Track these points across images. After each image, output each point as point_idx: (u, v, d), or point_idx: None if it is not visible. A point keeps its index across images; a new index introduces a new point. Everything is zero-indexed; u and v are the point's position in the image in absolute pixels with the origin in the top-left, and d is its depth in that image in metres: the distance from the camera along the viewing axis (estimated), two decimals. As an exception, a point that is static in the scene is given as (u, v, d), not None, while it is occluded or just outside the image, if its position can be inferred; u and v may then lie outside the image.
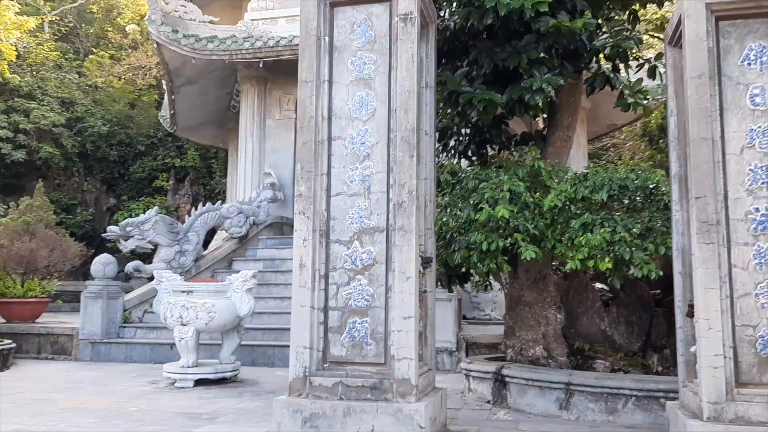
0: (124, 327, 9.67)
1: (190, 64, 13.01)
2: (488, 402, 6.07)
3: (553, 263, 6.39)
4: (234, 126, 15.68)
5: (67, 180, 20.67)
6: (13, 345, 8.92)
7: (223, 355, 7.47)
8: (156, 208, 10.19)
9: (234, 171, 15.74)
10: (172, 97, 14.63)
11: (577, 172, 5.69)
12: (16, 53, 19.31)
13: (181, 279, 7.60)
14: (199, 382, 7.05)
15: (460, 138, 6.76)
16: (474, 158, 6.84)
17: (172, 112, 15.58)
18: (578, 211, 5.46)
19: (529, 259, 5.15)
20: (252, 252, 11.62)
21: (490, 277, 6.85)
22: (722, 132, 4.21)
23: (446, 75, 5.88)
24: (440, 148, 6.80)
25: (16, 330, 9.78)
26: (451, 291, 7.04)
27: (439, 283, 6.53)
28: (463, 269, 6.12)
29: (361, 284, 4.45)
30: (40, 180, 13.50)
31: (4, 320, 10.35)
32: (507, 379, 5.88)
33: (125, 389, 6.89)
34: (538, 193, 5.58)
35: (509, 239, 5.20)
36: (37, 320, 10.49)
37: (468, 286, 7.56)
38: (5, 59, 18.47)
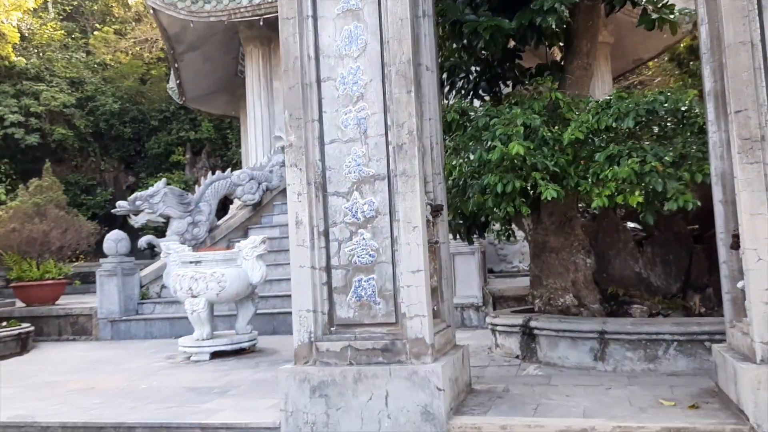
0: (143, 303, 9.48)
1: (190, 29, 12.54)
2: (517, 357, 5.68)
3: (579, 204, 5.90)
4: (243, 92, 15.22)
5: (84, 161, 20.58)
6: (31, 328, 8.78)
7: (238, 326, 7.19)
8: (164, 179, 9.88)
9: (246, 138, 15.34)
10: (176, 65, 14.22)
11: (599, 100, 5.13)
12: (19, 35, 19.05)
13: (190, 250, 7.29)
14: (215, 355, 6.79)
15: (469, 76, 6.21)
16: (485, 98, 6.30)
17: (178, 81, 15.19)
18: (602, 144, 4.93)
19: (550, 199, 4.67)
20: (267, 219, 11.29)
21: (512, 225, 6.38)
22: (762, 34, 3.64)
23: (447, 3, 5.32)
24: (447, 88, 6.28)
25: (35, 313, 9.66)
26: (471, 243, 6.60)
27: (457, 235, 6.11)
28: (481, 218, 5.67)
29: (364, 239, 4.04)
30: (47, 161, 13.21)
31: (24, 304, 10.25)
32: (535, 331, 5.47)
33: (140, 366, 6.67)
34: (556, 128, 5.06)
35: (527, 179, 4.71)
36: (56, 302, 10.37)
37: (492, 237, 7.12)
38: (9, 42, 18.22)
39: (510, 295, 8.31)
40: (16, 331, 8.35)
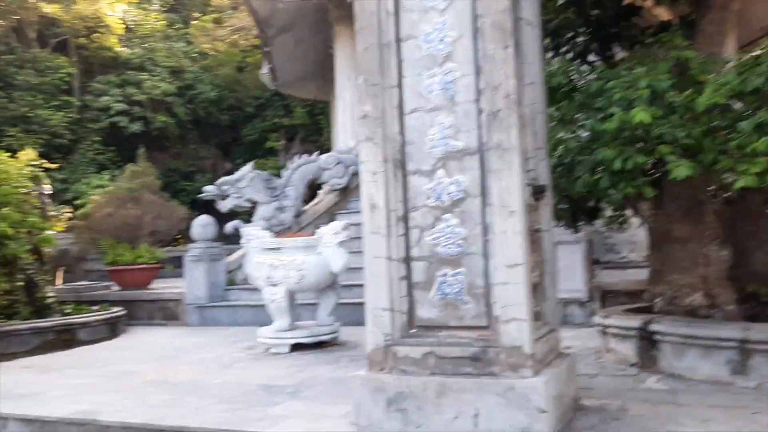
0: (229, 289, 9.30)
1: (279, 11, 12.26)
2: (632, 365, 4.85)
3: (709, 187, 4.95)
4: (333, 76, 14.89)
5: (184, 148, 21.11)
6: (123, 313, 8.80)
7: (320, 317, 6.75)
8: (251, 163, 9.63)
9: (335, 122, 14.97)
10: (267, 49, 14.02)
11: (741, 58, 4.19)
12: (124, 26, 19.71)
13: (270, 236, 6.91)
14: (295, 347, 6.39)
15: (577, 38, 5.37)
16: (596, 62, 5.43)
17: (270, 66, 15.01)
18: (748, 110, 4.00)
19: (680, 179, 3.82)
20: (355, 203, 10.83)
21: (627, 210, 5.50)
22: None
23: (551, -50, 4.55)
24: (551, 54, 5.46)
25: (127, 297, 9.74)
26: (577, 230, 5.78)
27: (560, 222, 5.31)
28: (590, 201, 4.85)
29: (450, 225, 3.39)
30: (141, 146, 13.42)
31: (119, 287, 10.39)
32: (657, 336, 4.61)
33: (219, 357, 6.37)
34: (686, 92, 4.16)
35: (651, 154, 3.87)
36: (149, 286, 10.44)
37: (599, 223, 6.24)
38: (114, 33, 18.87)
39: (621, 289, 7.37)
40: (107, 316, 8.36)
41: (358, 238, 8.86)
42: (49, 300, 8.44)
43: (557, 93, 4.47)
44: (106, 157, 18.35)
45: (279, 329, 6.44)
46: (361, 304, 7.91)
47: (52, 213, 9.74)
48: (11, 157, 8.40)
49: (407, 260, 3.47)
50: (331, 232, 6.49)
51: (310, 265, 6.33)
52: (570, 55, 5.40)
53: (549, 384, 3.17)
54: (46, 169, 14.00)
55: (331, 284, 6.67)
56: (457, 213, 3.38)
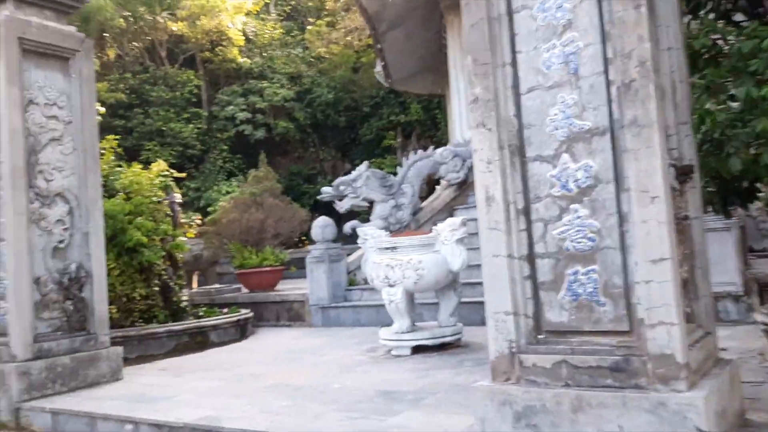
0: (350, 290, 9.27)
1: (389, 5, 12.12)
2: (808, 371, 4.14)
3: None
4: (447, 69, 14.56)
5: (305, 152, 21.66)
6: (250, 315, 9.03)
7: (441, 318, 6.48)
8: (366, 163, 9.54)
9: (449, 115, 14.62)
10: (379, 46, 13.97)
11: None
12: (245, 38, 20.54)
13: (386, 235, 6.73)
14: (416, 349, 6.16)
15: (721, -5, 4.67)
16: (743, 22, 4.70)
17: (383, 63, 14.97)
18: None
19: None
20: (474, 197, 10.46)
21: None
22: None
23: None
24: (688, 18, 4.80)
25: (255, 299, 10.00)
26: (728, 216, 5.07)
27: (709, 206, 4.66)
28: (745, 181, 4.18)
29: (579, 217, 2.98)
30: (261, 152, 13.81)
31: (247, 290, 10.72)
32: (838, 337, 3.89)
33: (340, 359, 6.28)
34: None
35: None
36: (275, 288, 10.68)
37: (754, 206, 5.47)
38: (235, 45, 19.71)
39: (783, 281, 6.47)
40: (235, 318, 8.60)
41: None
42: (183, 304, 8.82)
43: (700, 58, 3.87)
44: (233, 165, 19.22)
45: (399, 331, 6.24)
46: (483, 303, 7.56)
47: (183, 220, 10.21)
48: (144, 168, 8.87)
49: (531, 258, 3.11)
50: (448, 229, 6.19)
51: (427, 264, 6.07)
52: (712, 16, 4.71)
53: (709, 399, 2.67)
54: (180, 179, 14.81)
55: (450, 283, 6.38)
56: (586, 202, 2.96)
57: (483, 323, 7.38)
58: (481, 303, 7.54)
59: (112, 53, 19.89)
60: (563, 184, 3.02)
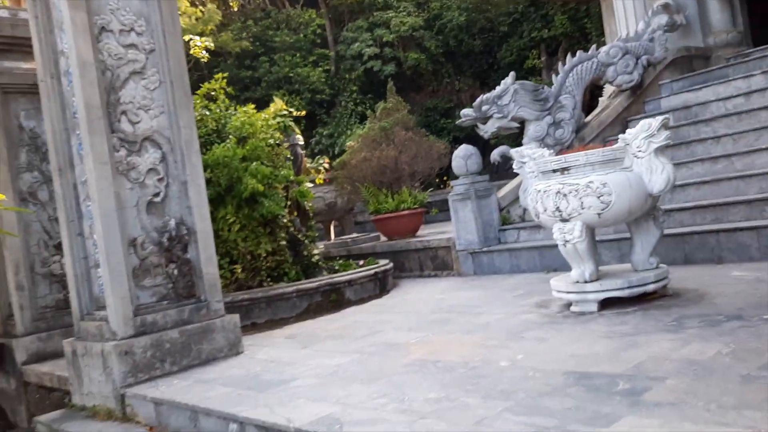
0: (504, 230, 7.73)
1: None
2: None
3: None
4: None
5: (440, 85, 19.98)
6: (389, 266, 7.85)
7: (636, 258, 4.78)
8: (512, 74, 7.79)
9: (609, 12, 12.17)
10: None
11: None
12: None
13: (550, 154, 5.09)
14: (605, 303, 4.56)
15: None
16: None
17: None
18: None
19: None
20: (653, 104, 8.35)
21: None
22: None
23: None
24: None
25: (395, 248, 8.81)
26: None
27: None
28: None
29: None
30: (389, 81, 12.38)
31: (386, 238, 9.56)
32: None
33: (501, 319, 4.85)
34: None
35: None
36: (416, 234, 9.41)
37: None
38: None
39: None
40: (372, 271, 7.44)
41: (680, 144, 6.52)
42: (316, 258, 7.81)
43: None
44: (365, 107, 18.08)
45: (580, 279, 4.65)
46: (686, 234, 5.67)
47: (310, 165, 9.16)
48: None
49: None
50: (642, 135, 4.43)
51: (616, 186, 4.38)
52: None
53: None
54: (311, 126, 13.81)
55: (649, 211, 4.65)
56: None
57: (686, 261, 5.55)
58: (682, 235, 5.69)
59: (235, 4, 19.33)
60: None
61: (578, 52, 8.14)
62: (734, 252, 5.53)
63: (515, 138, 11.52)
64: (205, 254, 5.10)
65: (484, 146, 16.35)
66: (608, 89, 9.16)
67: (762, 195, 5.71)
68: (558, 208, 4.55)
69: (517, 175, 6.16)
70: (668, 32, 8.46)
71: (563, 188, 4.53)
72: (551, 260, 6.86)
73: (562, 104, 7.80)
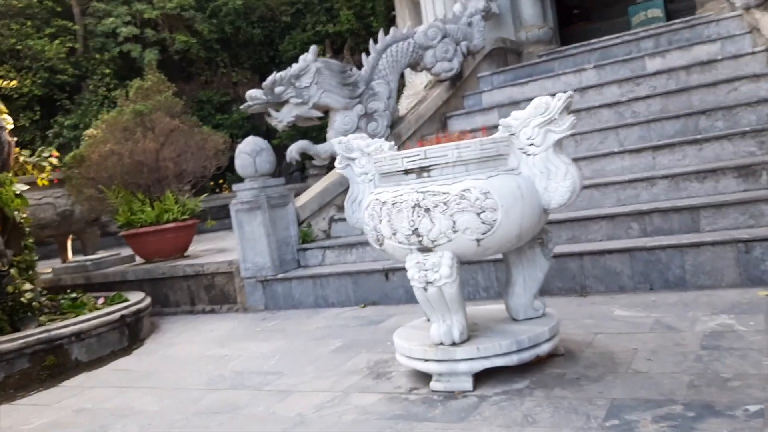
0: (305, 249, 5.92)
1: None
2: None
3: None
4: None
5: (214, 75, 17.55)
6: (144, 303, 5.57)
7: (516, 302, 3.28)
8: (314, 48, 6.06)
9: (403, 5, 11.03)
10: None
11: None
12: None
13: (391, 147, 3.41)
14: (481, 373, 2.98)
15: None
16: None
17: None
18: None
19: None
20: (474, 99, 7.20)
21: None
22: None
23: None
24: None
25: (154, 274, 6.48)
26: None
27: None
28: None
29: None
30: (146, 50, 9.87)
31: (142, 260, 7.17)
32: None
33: (325, 406, 3.02)
34: None
35: None
36: (185, 253, 7.18)
37: None
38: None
39: None
40: (118, 314, 5.13)
41: (593, 131, 5.05)
42: (28, 296, 5.23)
43: None
44: (120, 94, 14.99)
45: (445, 341, 3.00)
46: (574, 255, 4.24)
47: (26, 159, 6.44)
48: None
49: None
50: (537, 121, 2.93)
51: (503, 197, 2.81)
52: None
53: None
54: (51, 115, 10.66)
55: (539, 233, 3.18)
56: None
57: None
58: (570, 256, 4.18)
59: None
60: None
61: (392, 29, 6.67)
62: (601, 280, 4.39)
63: (318, 130, 9.89)
64: None
65: (277, 146, 14.43)
66: (416, 78, 7.88)
67: (624, 209, 4.68)
68: (416, 230, 2.86)
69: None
70: (485, 19, 7.41)
71: (424, 199, 2.85)
72: (368, 290, 5.23)
73: (375, 91, 6.23)
